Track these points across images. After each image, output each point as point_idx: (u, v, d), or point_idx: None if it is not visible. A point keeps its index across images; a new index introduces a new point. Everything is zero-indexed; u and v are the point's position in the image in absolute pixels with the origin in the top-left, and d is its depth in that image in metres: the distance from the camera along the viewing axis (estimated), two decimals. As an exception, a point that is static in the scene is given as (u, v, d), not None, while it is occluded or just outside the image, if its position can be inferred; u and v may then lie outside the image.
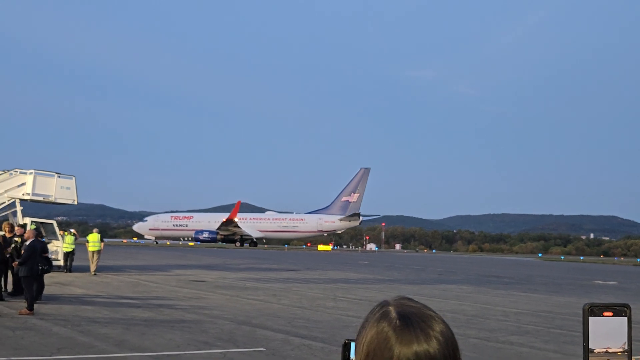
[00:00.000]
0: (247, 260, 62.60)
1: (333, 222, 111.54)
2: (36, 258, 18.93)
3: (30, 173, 35.10)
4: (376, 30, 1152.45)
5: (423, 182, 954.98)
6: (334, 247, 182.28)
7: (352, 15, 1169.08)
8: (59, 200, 36.30)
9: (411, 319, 1.79)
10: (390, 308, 1.85)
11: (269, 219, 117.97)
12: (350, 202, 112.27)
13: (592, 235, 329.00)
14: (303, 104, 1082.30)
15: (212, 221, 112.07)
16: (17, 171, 35.14)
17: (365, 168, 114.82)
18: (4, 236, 22.80)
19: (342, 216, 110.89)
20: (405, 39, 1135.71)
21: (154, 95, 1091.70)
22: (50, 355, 11.98)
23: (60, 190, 35.92)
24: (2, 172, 34.84)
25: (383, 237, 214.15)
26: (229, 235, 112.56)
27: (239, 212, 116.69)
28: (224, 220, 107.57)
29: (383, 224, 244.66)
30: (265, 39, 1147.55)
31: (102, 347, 12.95)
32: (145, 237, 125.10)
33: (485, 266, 75.62)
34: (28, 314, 17.22)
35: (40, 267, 20.89)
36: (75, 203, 37.54)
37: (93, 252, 34.08)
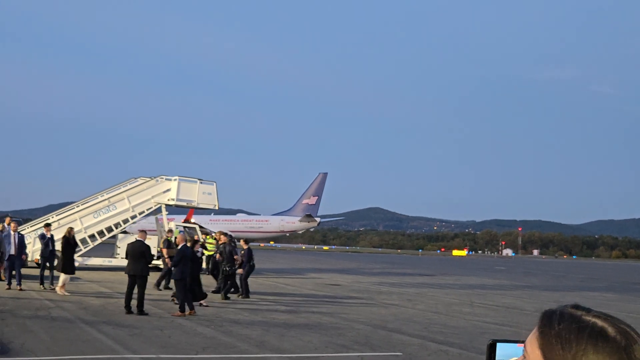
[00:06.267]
0: (381, 264, 62.82)
1: (294, 223, 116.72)
2: (187, 262, 19.63)
3: (175, 179, 36.47)
4: (506, 31, 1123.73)
5: (562, 185, 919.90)
6: (468, 252, 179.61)
7: (484, 15, 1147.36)
8: (201, 206, 37.73)
9: (632, 335, 1.67)
10: (596, 322, 1.68)
11: (238, 221, 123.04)
12: (309, 205, 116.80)
13: None
14: (428, 109, 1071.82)
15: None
16: (162, 178, 36.65)
17: (324, 173, 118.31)
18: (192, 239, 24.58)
19: (301, 217, 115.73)
20: (536, 39, 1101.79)
21: (298, 101, 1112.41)
22: (196, 354, 12.54)
23: (202, 195, 37.16)
24: (149, 179, 36.62)
25: (520, 243, 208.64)
26: None
27: (220, 214, 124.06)
28: (182, 222, 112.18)
29: (520, 229, 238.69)
30: (384, 37, 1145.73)
31: (243, 348, 13.44)
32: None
33: (631, 273, 72.04)
34: (179, 316, 17.88)
35: (225, 269, 23.49)
36: (217, 208, 38.82)
37: None
